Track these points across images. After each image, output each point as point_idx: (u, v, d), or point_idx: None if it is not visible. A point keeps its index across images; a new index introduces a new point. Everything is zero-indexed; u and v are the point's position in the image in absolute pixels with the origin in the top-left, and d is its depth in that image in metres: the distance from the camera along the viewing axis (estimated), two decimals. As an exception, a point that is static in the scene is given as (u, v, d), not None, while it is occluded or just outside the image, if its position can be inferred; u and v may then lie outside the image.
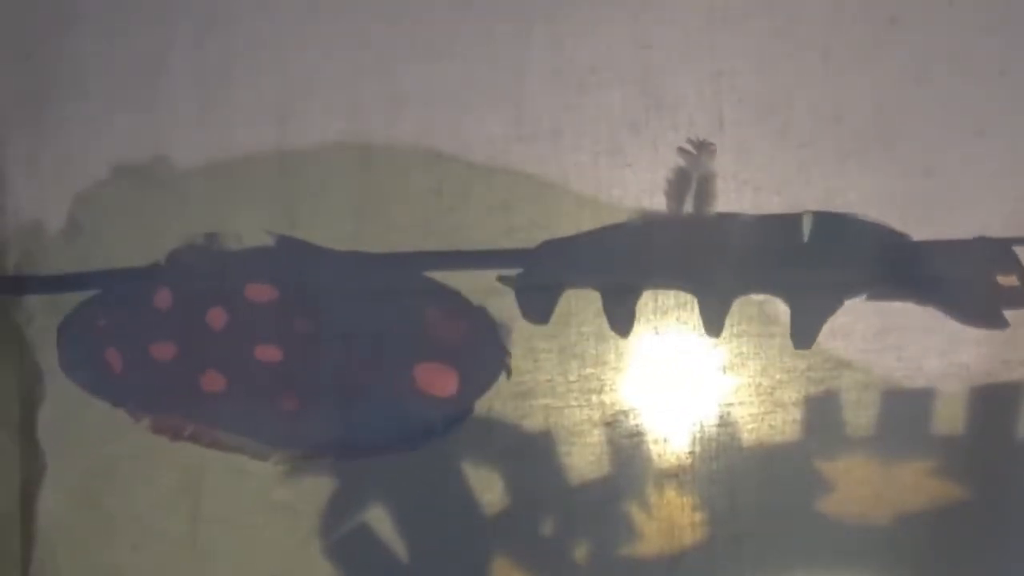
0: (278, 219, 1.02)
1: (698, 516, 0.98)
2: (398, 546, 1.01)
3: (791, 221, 0.97)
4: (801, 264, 0.97)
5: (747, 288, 0.97)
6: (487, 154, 1.00)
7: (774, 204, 0.97)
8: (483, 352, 0.99)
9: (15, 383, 1.05)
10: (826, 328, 0.97)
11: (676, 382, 0.99)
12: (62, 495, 1.04)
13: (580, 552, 0.99)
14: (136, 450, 1.03)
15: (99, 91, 1.04)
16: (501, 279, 0.99)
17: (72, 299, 1.04)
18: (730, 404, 0.98)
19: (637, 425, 0.99)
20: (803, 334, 0.97)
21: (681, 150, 0.97)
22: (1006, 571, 0.95)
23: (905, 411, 0.96)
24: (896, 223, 0.96)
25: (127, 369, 1.03)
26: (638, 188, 0.99)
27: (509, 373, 0.99)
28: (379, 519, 1.01)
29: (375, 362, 1.00)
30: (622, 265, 0.98)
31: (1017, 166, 0.95)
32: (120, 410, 1.03)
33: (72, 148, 1.04)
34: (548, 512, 0.99)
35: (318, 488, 1.01)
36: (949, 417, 0.96)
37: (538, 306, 0.99)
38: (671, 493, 0.98)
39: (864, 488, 0.96)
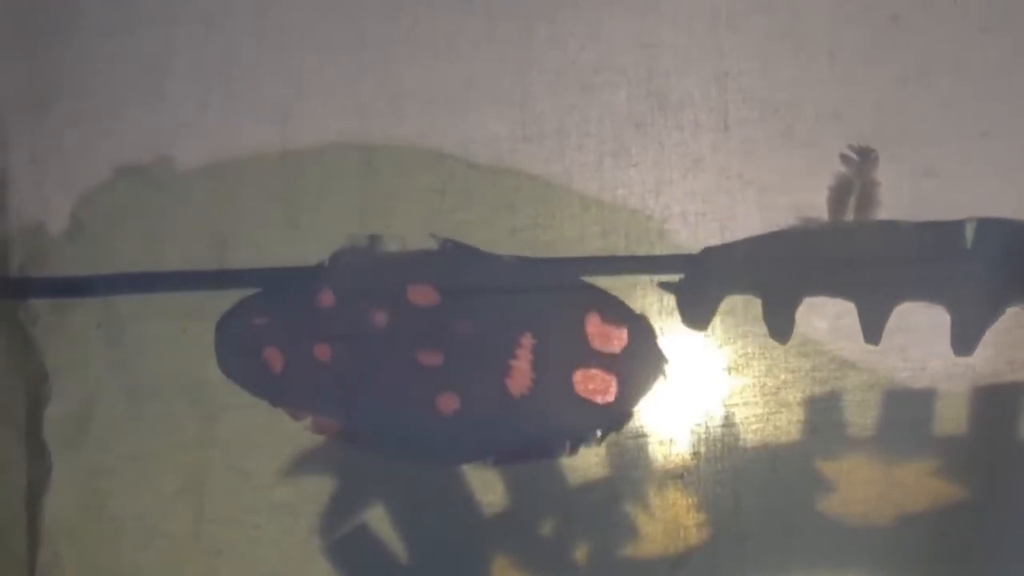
0: (280, 219, 1.02)
1: (702, 516, 0.98)
2: (398, 546, 1.01)
3: (954, 228, 0.95)
4: (963, 271, 0.95)
5: (907, 296, 0.95)
6: (490, 154, 1.00)
7: (779, 204, 0.97)
8: (642, 358, 0.98)
9: (21, 384, 1.05)
10: (830, 328, 0.96)
11: (680, 383, 0.98)
12: (67, 496, 1.05)
13: (582, 553, 0.99)
14: (140, 451, 1.03)
15: (101, 92, 1.04)
16: (662, 285, 0.98)
17: (74, 300, 1.05)
18: (734, 404, 0.98)
19: (641, 426, 0.99)
20: (963, 342, 0.95)
21: (843, 157, 0.96)
22: (1008, 572, 0.95)
23: (908, 412, 0.96)
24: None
25: (288, 368, 1.02)
26: (643, 188, 0.99)
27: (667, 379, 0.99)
28: (379, 519, 1.01)
29: (535, 367, 0.99)
30: (782, 272, 0.97)
31: (1020, 167, 0.95)
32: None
33: (75, 148, 1.05)
34: (550, 513, 0.99)
35: (319, 488, 1.01)
36: (952, 417, 0.95)
37: (698, 312, 0.98)
38: (675, 493, 0.98)
39: (867, 489, 0.96)
